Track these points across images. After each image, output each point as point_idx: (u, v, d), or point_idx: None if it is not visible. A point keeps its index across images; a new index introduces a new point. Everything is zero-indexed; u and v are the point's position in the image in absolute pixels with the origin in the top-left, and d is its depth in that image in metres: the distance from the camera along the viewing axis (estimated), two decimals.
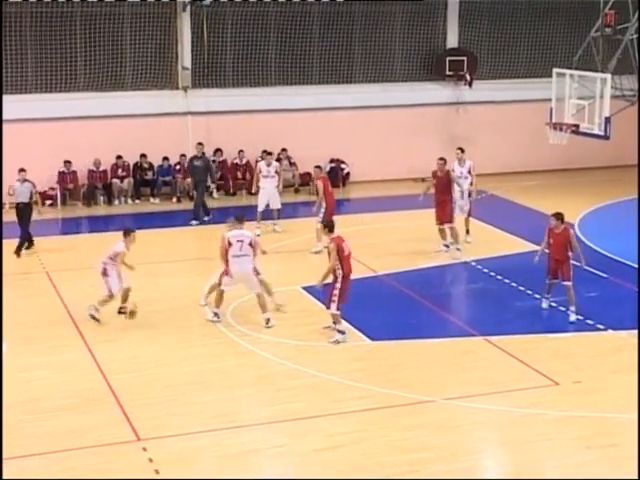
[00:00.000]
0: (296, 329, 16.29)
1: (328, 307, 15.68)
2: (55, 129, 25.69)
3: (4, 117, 23.69)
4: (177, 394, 13.73)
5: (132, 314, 16.36)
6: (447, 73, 28.77)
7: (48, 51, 25.77)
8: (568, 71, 24.39)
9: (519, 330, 16.24)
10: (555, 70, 24.82)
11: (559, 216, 16.55)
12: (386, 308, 17.39)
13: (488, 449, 12.59)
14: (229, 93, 27.39)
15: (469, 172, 21.17)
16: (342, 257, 15.49)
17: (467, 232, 21.43)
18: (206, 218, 23.80)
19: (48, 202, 25.79)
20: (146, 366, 14.78)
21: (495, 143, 29.23)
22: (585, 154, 28.58)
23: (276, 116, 27.39)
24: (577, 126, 24.01)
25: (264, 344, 15.60)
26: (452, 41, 29.25)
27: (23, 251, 20.70)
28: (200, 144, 24.59)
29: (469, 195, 21.27)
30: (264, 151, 24.40)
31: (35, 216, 21.15)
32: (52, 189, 25.93)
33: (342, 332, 15.72)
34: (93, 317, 16.41)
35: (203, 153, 26.53)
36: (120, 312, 16.55)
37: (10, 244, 20.68)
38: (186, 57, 26.97)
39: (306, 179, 27.47)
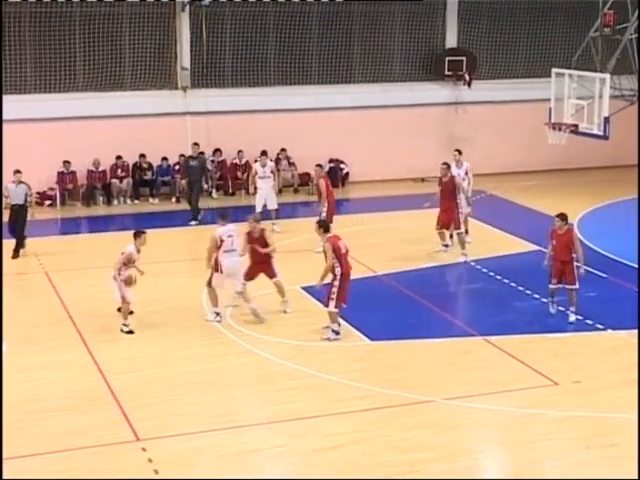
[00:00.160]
0: (296, 329, 16.29)
1: (326, 305, 15.69)
2: (54, 129, 25.68)
3: (3, 117, 23.66)
4: (177, 394, 13.73)
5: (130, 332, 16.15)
6: (446, 73, 28.77)
7: (47, 51, 25.77)
8: (567, 71, 24.39)
9: (519, 330, 16.24)
10: (554, 70, 24.81)
11: (563, 216, 16.39)
12: (386, 308, 17.40)
13: (488, 449, 12.60)
14: (228, 93, 27.40)
15: (466, 174, 21.11)
16: (339, 255, 15.51)
17: (466, 232, 21.41)
18: (193, 222, 23.62)
19: (47, 202, 25.84)
20: (146, 366, 14.78)
21: (494, 143, 29.25)
22: (584, 154, 28.59)
23: (275, 116, 27.39)
24: (576, 126, 24.01)
25: (264, 344, 15.60)
26: (451, 41, 29.26)
27: (12, 253, 20.60)
28: (196, 144, 24.57)
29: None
30: (263, 152, 24.39)
31: (28, 218, 21.05)
32: (51, 189, 25.94)
33: (336, 332, 15.73)
34: (127, 332, 16.00)
35: (202, 153, 26.62)
36: (120, 310, 16.39)
37: (9, 244, 20.67)
38: (185, 57, 26.98)
39: (305, 179, 27.48)
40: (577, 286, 16.41)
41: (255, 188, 22.81)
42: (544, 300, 17.30)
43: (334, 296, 15.54)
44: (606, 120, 23.09)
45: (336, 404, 13.34)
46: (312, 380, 14.22)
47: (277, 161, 27.24)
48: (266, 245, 16.74)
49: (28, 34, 25.63)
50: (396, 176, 28.51)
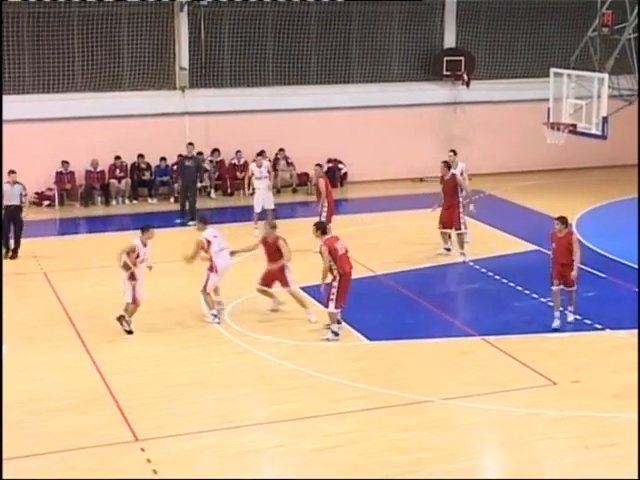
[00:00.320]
0: (294, 329, 16.30)
1: (326, 306, 15.70)
2: (53, 129, 25.68)
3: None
4: (176, 394, 13.73)
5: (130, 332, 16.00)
6: (444, 73, 28.77)
7: (45, 51, 25.76)
8: (565, 71, 24.41)
9: (517, 330, 16.24)
10: (552, 70, 24.82)
11: (563, 220, 16.20)
12: (384, 308, 17.40)
13: (487, 449, 12.61)
14: (227, 93, 27.40)
15: (461, 174, 21.04)
16: (337, 257, 15.51)
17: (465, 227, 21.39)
18: (178, 220, 23.51)
19: (46, 202, 25.84)
20: (145, 366, 14.78)
21: (493, 143, 29.26)
22: (582, 154, 28.60)
23: (274, 116, 27.39)
24: (575, 126, 24.03)
25: (262, 344, 15.60)
26: (449, 41, 29.27)
27: (10, 253, 20.60)
28: (190, 144, 24.55)
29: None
30: (259, 152, 24.38)
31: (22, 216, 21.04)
32: (50, 189, 25.94)
33: (336, 333, 15.74)
34: (127, 331, 15.88)
35: (200, 153, 26.64)
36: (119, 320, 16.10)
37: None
38: (184, 57, 26.98)
39: (304, 179, 27.49)
40: (576, 288, 16.34)
41: (252, 189, 22.81)
42: (542, 300, 17.31)
43: (334, 297, 15.56)
44: (604, 120, 23.11)
45: (335, 404, 13.34)
46: (311, 380, 14.22)
47: (275, 161, 27.25)
48: (280, 253, 16.59)
49: (26, 34, 25.62)
50: (395, 176, 28.52)
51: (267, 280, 16.78)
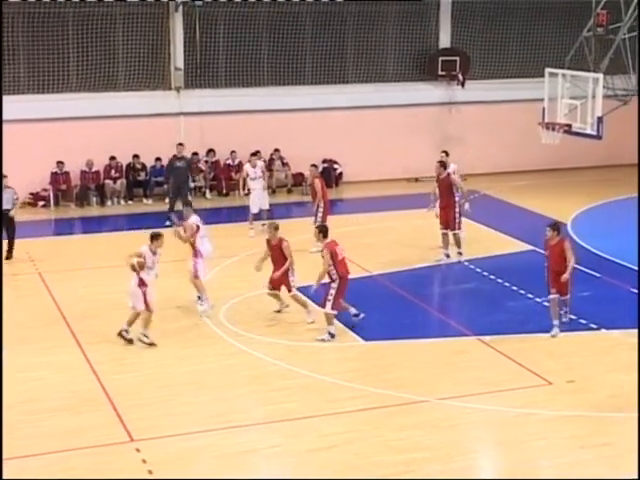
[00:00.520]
0: (289, 329, 16.30)
1: (323, 306, 15.73)
2: (48, 130, 25.65)
3: None
4: (171, 394, 13.72)
5: (130, 341, 15.57)
6: (440, 73, 28.79)
7: (40, 52, 25.73)
8: (560, 71, 24.42)
9: (512, 330, 16.24)
10: (547, 70, 24.84)
11: (554, 227, 15.90)
12: (380, 308, 17.39)
13: (483, 449, 12.61)
14: (222, 93, 27.38)
15: (453, 174, 20.98)
16: (336, 261, 15.66)
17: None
18: (168, 222, 23.22)
19: (41, 203, 25.81)
20: (140, 367, 14.77)
21: (488, 143, 29.28)
22: (577, 154, 28.62)
23: (269, 116, 27.38)
24: (569, 126, 24.04)
25: (257, 344, 15.60)
26: (444, 41, 29.28)
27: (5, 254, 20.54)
28: (181, 144, 24.50)
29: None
30: (253, 153, 24.36)
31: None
32: (45, 190, 25.90)
33: (332, 334, 15.75)
34: (147, 344, 15.40)
35: (196, 154, 26.63)
36: (120, 335, 15.65)
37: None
38: (179, 57, 26.95)
39: (299, 179, 27.48)
40: (569, 296, 16.01)
41: (247, 190, 22.79)
42: (538, 300, 17.31)
43: (331, 297, 15.63)
44: (599, 120, 23.13)
45: (330, 404, 13.34)
46: (306, 380, 14.22)
47: (271, 161, 27.25)
48: (283, 256, 16.54)
49: (21, 34, 25.58)
50: (390, 176, 28.52)
51: (275, 284, 16.76)
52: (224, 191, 27.16)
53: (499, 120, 29.17)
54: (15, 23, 25.42)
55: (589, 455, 11.98)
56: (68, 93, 26.05)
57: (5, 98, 24.78)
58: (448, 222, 20.11)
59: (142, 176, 26.70)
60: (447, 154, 21.22)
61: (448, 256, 20.28)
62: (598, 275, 19.12)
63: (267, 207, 22.80)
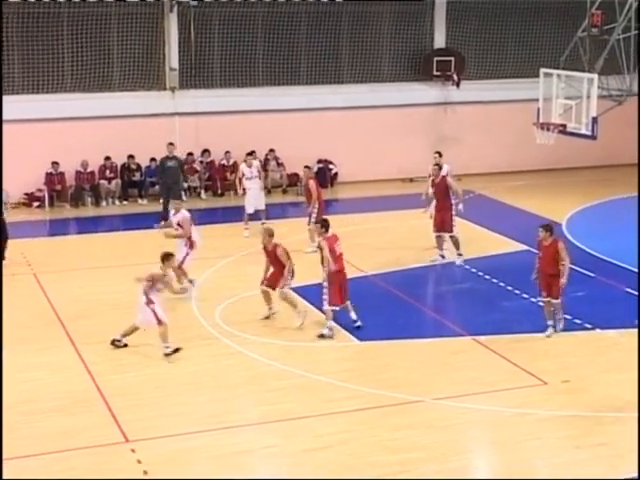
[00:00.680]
0: (284, 330, 16.28)
1: (322, 305, 15.96)
2: (42, 130, 25.60)
3: None
4: (166, 395, 13.72)
5: (124, 345, 15.39)
6: (435, 73, 28.78)
7: (35, 52, 25.68)
8: (555, 71, 24.42)
9: (508, 330, 16.24)
10: (542, 70, 24.85)
11: (547, 227, 15.75)
12: (375, 308, 17.36)
13: (478, 449, 12.62)
14: (217, 94, 27.36)
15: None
16: (334, 257, 15.81)
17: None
18: (156, 225, 22.84)
19: (35, 203, 25.77)
20: (135, 367, 14.74)
21: (483, 143, 29.29)
22: (572, 154, 28.64)
23: (264, 116, 27.37)
24: (564, 126, 24.04)
25: (252, 345, 15.59)
26: (439, 41, 29.29)
27: None
28: (171, 144, 24.45)
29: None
30: (249, 152, 24.33)
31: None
32: (39, 190, 25.86)
33: (330, 330, 15.82)
34: (172, 352, 14.99)
35: (191, 154, 26.60)
36: (114, 343, 15.45)
37: None
38: (173, 58, 26.93)
39: (294, 179, 27.46)
40: (560, 300, 15.86)
41: (243, 189, 22.78)
42: (533, 300, 17.32)
43: (326, 297, 15.82)
44: (594, 120, 23.14)
45: (326, 404, 13.34)
46: (301, 380, 14.22)
47: (266, 162, 27.23)
48: (280, 262, 16.37)
49: (16, 35, 25.52)
50: (385, 176, 28.52)
51: (270, 282, 16.61)
52: (219, 191, 27.14)
53: (494, 120, 29.18)
54: (10, 23, 25.33)
55: (584, 455, 11.99)
56: (63, 93, 26.00)
57: None
58: (444, 225, 20.01)
59: (137, 176, 26.67)
60: (440, 155, 21.21)
61: (443, 257, 20.26)
62: (593, 275, 19.14)
63: (263, 207, 22.75)
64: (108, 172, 26.36)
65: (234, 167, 26.74)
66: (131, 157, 26.57)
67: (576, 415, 13.03)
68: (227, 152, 27.03)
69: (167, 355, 14.98)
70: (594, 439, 12.33)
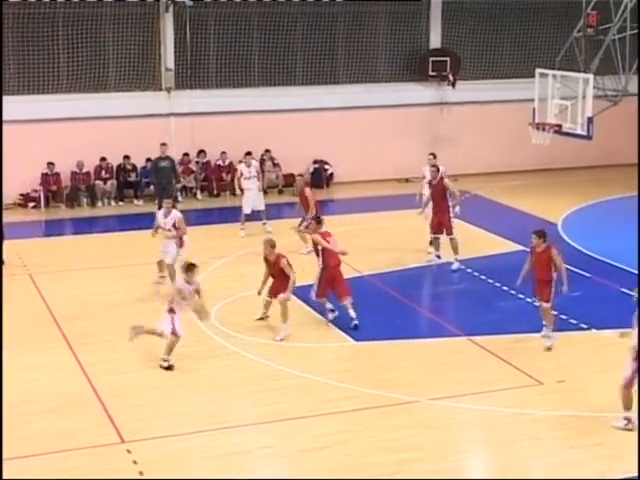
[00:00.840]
0: (280, 330, 16.25)
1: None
2: (38, 131, 25.57)
3: None
4: (163, 396, 13.72)
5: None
6: (430, 73, 28.79)
7: (31, 53, 25.65)
8: (551, 71, 24.44)
9: (503, 330, 16.26)
10: (538, 70, 24.85)
11: (540, 234, 15.56)
12: (371, 309, 17.36)
13: (475, 449, 12.64)
14: (212, 94, 27.35)
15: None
16: (326, 250, 16.31)
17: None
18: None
19: (31, 204, 25.74)
20: (131, 368, 14.74)
21: (478, 143, 29.31)
22: (568, 154, 28.67)
23: (260, 117, 27.36)
24: (560, 126, 24.06)
25: (248, 345, 15.59)
26: (435, 41, 29.31)
27: None
28: (164, 144, 24.45)
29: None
30: (247, 152, 24.32)
31: None
32: (35, 191, 25.83)
33: (333, 311, 16.55)
34: (167, 368, 14.72)
35: (187, 154, 26.58)
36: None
37: None
38: (169, 58, 26.91)
39: (290, 180, 27.43)
40: (550, 305, 15.67)
41: (241, 189, 22.77)
42: (529, 300, 17.32)
43: (315, 286, 16.47)
44: (589, 120, 23.16)
45: (323, 405, 13.35)
46: (298, 381, 14.23)
47: (261, 162, 27.20)
48: (283, 274, 16.09)
49: (11, 35, 25.50)
50: (381, 177, 28.53)
51: (274, 293, 16.49)
52: (215, 192, 27.13)
53: (490, 120, 29.20)
54: (5, 24, 25.30)
55: (580, 455, 12.02)
56: (58, 94, 25.97)
57: None
58: (441, 227, 19.94)
59: (133, 177, 26.65)
60: (435, 156, 21.16)
61: (439, 257, 20.26)
62: (588, 275, 19.16)
63: (262, 207, 22.71)
64: (104, 172, 26.35)
65: (230, 167, 26.75)
66: (127, 158, 26.55)
67: (572, 415, 13.05)
68: (223, 152, 27.03)
69: (162, 367, 14.74)
70: (589, 439, 12.36)
